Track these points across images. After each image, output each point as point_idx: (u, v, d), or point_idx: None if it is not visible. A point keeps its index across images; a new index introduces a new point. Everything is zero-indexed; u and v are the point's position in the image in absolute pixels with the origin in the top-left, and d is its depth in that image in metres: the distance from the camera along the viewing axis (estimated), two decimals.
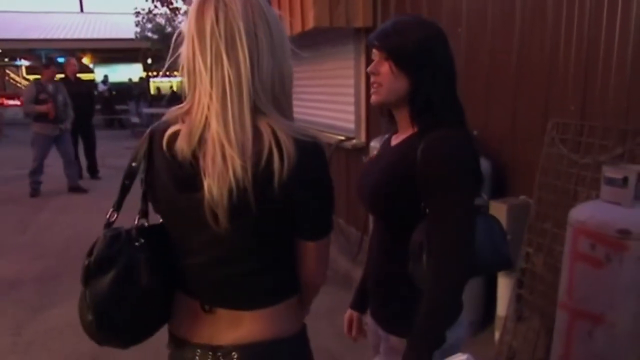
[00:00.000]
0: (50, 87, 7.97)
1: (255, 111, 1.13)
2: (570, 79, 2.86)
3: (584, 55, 2.76)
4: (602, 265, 2.20)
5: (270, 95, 1.16)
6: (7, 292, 4.56)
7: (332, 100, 5.86)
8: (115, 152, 12.15)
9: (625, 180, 2.22)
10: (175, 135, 1.15)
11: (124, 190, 1.30)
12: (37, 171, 8.10)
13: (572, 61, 2.84)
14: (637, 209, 2.20)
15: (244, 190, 1.09)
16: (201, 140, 1.12)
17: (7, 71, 24.53)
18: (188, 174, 1.14)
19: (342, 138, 5.31)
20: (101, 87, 20.02)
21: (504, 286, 3.19)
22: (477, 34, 3.54)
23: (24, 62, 23.63)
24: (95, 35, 21.83)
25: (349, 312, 1.94)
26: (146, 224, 1.30)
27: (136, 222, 1.29)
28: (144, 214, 1.30)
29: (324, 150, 1.20)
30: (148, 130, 1.26)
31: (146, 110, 18.76)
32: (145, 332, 1.32)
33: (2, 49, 21.68)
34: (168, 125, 1.19)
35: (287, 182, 1.10)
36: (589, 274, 2.27)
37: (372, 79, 1.55)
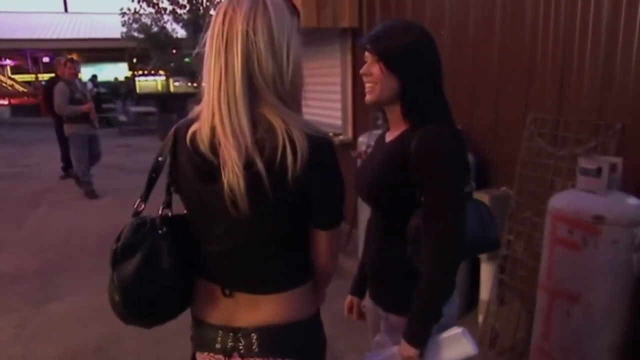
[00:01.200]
0: (79, 85, 7.69)
1: (263, 105, 1.23)
2: (547, 78, 3.03)
3: (559, 56, 2.93)
4: (579, 248, 2.35)
5: (274, 92, 1.24)
6: (9, 286, 4.61)
7: (320, 98, 5.94)
8: (105, 150, 12.06)
9: (599, 170, 2.36)
10: (196, 131, 1.26)
11: (151, 182, 1.38)
12: (85, 172, 7.78)
13: (549, 62, 3.01)
14: (610, 197, 2.35)
15: (257, 178, 1.18)
16: (216, 135, 1.22)
17: None
18: (209, 167, 1.23)
19: (330, 134, 5.41)
20: (90, 87, 19.86)
21: (487, 272, 3.35)
22: (460, 35, 3.68)
23: (9, 62, 23.36)
24: (80, 35, 21.64)
25: (349, 297, 2.05)
26: (170, 214, 1.38)
27: (160, 212, 1.37)
28: (167, 204, 1.38)
29: (334, 146, 1.30)
30: (173, 128, 1.35)
31: (133, 108, 18.69)
32: (168, 314, 1.39)
33: None
34: (191, 122, 1.28)
35: (301, 176, 1.18)
36: (567, 257, 2.42)
37: (365, 79, 1.66)
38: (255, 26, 1.21)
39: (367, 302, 1.94)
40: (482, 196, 3.16)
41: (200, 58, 1.29)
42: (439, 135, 1.55)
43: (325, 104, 5.85)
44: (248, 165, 1.18)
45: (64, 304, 4.18)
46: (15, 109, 21.68)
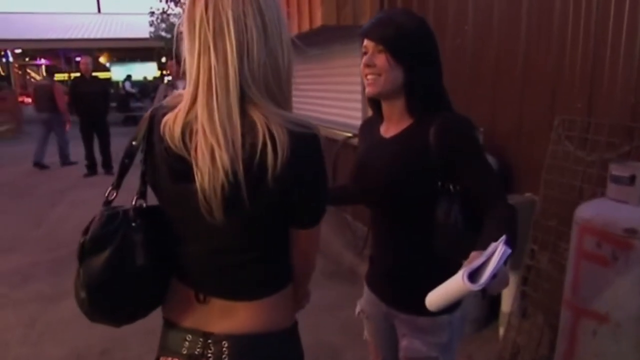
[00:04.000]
0: (182, 87, 7.44)
1: (247, 102, 1.11)
2: (577, 75, 2.84)
3: (591, 51, 2.74)
4: (608, 263, 2.17)
5: (263, 86, 1.13)
6: (21, 284, 4.63)
7: (339, 98, 5.87)
8: None
9: (632, 178, 2.20)
10: (167, 123, 1.15)
11: (123, 169, 1.28)
12: None
13: (579, 57, 2.82)
14: None
15: (236, 184, 1.08)
16: (191, 131, 1.11)
17: (28, 70, 24.85)
18: (182, 165, 1.12)
19: (350, 135, 5.31)
20: (127, 86, 20.40)
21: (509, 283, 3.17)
22: (484, 31, 3.53)
23: (44, 62, 23.95)
24: (112, 35, 22.12)
25: None
26: (144, 205, 1.27)
27: (134, 202, 1.27)
28: (142, 194, 1.28)
29: (319, 141, 1.17)
30: (149, 112, 1.25)
31: None
32: (139, 313, 1.30)
33: (22, 49, 22.04)
34: (167, 110, 1.19)
35: (281, 175, 1.08)
36: (594, 273, 2.24)
37: (368, 70, 1.58)
38: (246, 12, 1.10)
39: (368, 307, 1.88)
40: None
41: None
42: (459, 119, 1.55)
43: (344, 103, 5.76)
44: (226, 172, 1.07)
45: (74, 304, 4.10)
46: None
